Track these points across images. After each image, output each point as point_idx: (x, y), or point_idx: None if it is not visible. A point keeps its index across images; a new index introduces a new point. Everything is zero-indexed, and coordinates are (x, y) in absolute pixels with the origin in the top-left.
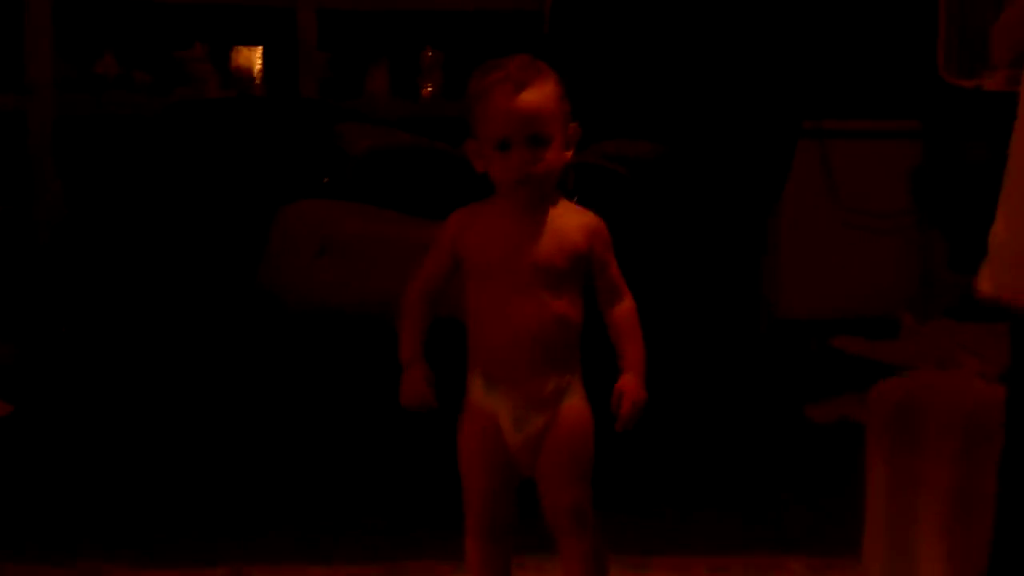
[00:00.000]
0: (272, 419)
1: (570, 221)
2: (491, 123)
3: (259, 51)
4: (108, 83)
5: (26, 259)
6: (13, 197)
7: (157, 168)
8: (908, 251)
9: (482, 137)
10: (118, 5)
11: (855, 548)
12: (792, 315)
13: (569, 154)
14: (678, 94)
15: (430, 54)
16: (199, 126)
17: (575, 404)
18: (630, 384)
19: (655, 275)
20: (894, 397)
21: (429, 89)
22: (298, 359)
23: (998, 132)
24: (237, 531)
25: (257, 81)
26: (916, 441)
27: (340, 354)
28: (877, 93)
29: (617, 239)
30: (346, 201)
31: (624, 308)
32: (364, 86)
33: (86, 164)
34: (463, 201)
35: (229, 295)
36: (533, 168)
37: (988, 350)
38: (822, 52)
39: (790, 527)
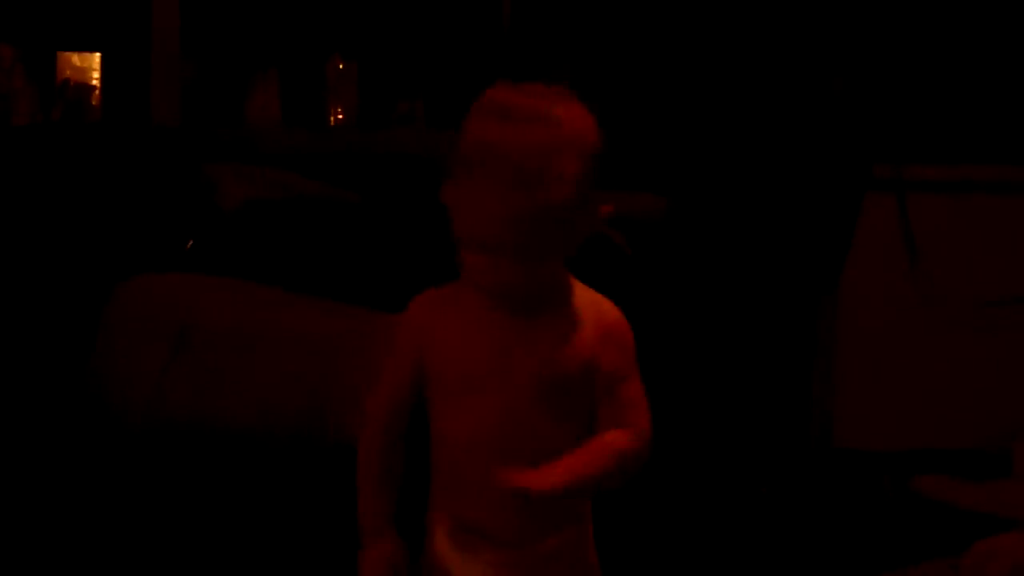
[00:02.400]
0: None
1: (582, 314)
2: (471, 216)
3: (96, 58)
4: None
5: None
6: None
7: None
8: None
9: (457, 216)
10: None
11: None
12: (856, 444)
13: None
14: (692, 123)
15: (340, 66)
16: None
17: (583, 569)
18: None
19: (665, 384)
20: (1001, 564)
21: (339, 115)
22: (148, 497)
23: None
24: None
25: (93, 102)
26: None
27: (207, 490)
28: (980, 131)
29: None
30: (214, 276)
31: (625, 435)
32: (245, 109)
33: None
34: (380, 276)
35: (46, 409)
36: (520, 285)
37: None
38: (903, 72)
39: None
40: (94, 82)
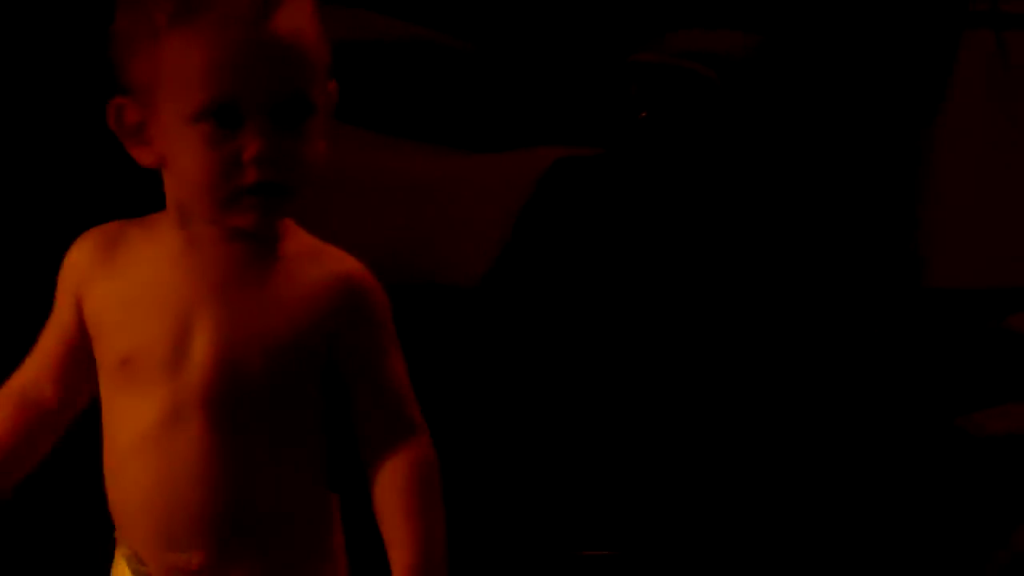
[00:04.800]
0: None
1: (306, 274)
2: (194, 73)
3: None
4: None
5: None
6: None
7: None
8: None
9: (161, 97)
10: None
11: None
12: (949, 283)
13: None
14: None
15: None
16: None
17: None
18: None
19: (755, 223)
20: None
21: None
22: None
23: None
24: None
25: None
26: None
27: None
28: None
29: (706, 172)
30: None
31: (411, 455)
32: None
33: None
34: (476, 119)
35: None
36: (285, 171)
37: None
38: None
39: None
40: None
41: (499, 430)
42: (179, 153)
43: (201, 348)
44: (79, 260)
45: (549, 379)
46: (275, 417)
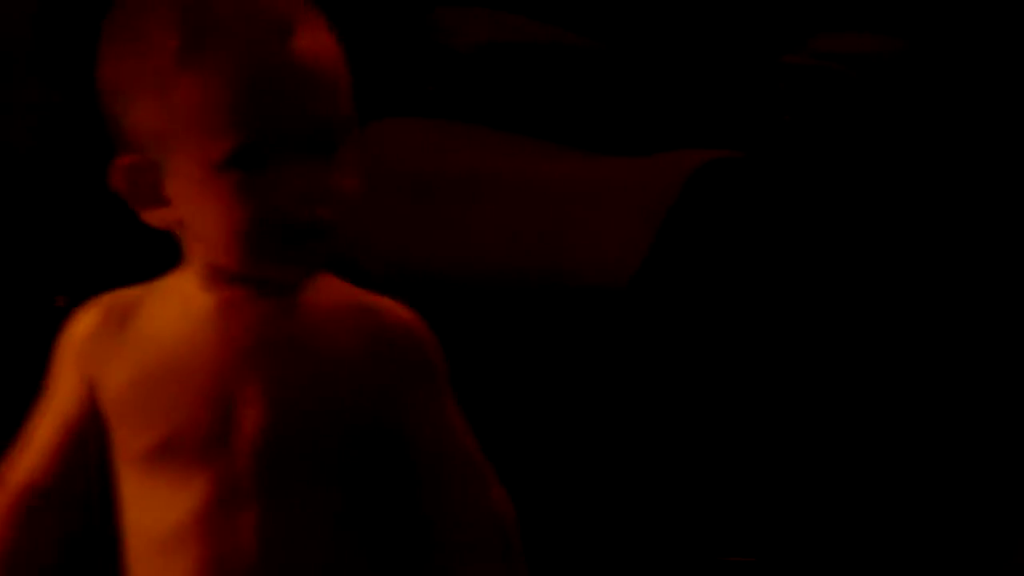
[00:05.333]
0: None
1: (351, 330)
2: (216, 115)
3: None
4: None
5: None
6: None
7: None
8: None
9: (177, 147)
10: None
11: None
12: None
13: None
14: None
15: None
16: None
17: None
18: None
19: (899, 226)
20: None
21: None
22: None
23: None
24: None
25: None
26: None
27: (441, 336)
28: None
29: (852, 175)
30: (452, 121)
31: (487, 513)
32: None
33: None
34: (619, 123)
35: None
36: (325, 209)
37: None
38: None
39: None
40: None
41: (646, 431)
42: (204, 207)
43: (249, 422)
44: (86, 337)
45: (696, 380)
46: (331, 487)
